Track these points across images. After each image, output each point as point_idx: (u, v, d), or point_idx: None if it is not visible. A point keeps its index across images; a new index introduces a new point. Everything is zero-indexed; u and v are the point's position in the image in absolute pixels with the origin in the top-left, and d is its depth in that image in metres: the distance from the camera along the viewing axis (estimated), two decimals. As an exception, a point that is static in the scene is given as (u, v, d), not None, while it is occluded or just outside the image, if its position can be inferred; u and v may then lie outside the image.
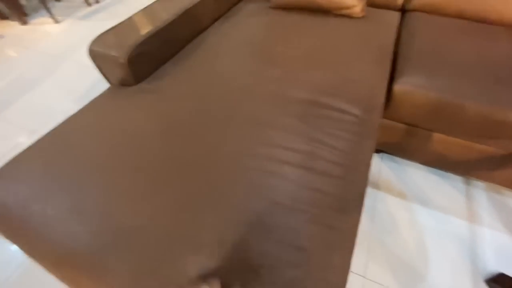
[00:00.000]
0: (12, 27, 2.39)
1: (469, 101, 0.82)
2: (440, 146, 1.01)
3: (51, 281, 0.91)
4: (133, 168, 0.66)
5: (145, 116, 0.79)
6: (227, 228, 0.54)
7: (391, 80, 0.93)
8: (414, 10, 1.26)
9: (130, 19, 0.99)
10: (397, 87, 0.89)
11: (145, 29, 0.93)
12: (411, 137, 1.04)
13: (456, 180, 1.15)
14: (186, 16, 1.06)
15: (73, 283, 0.53)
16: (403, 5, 1.27)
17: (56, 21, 2.39)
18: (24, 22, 2.41)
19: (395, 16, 1.21)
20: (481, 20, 1.15)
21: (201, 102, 0.83)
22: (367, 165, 0.67)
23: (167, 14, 1.01)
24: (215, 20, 1.24)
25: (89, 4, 2.61)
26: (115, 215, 0.57)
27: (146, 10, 1.04)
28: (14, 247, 1.01)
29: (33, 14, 2.54)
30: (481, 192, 1.11)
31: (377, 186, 1.13)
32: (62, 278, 0.54)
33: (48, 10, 2.32)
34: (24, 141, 1.40)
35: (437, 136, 0.98)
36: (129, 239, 0.54)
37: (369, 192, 1.11)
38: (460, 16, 1.18)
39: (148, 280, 0.48)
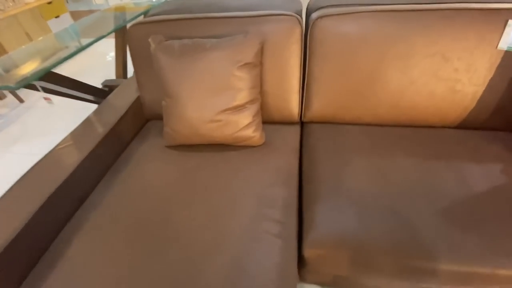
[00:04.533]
0: None
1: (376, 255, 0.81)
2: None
3: None
4: None
5: None
6: None
7: (300, 241, 0.89)
8: (310, 122, 1.30)
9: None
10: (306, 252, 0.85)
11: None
12: None
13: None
14: (65, 187, 0.88)
15: None
16: (300, 118, 1.30)
17: None
18: None
19: (296, 132, 1.22)
20: (376, 124, 1.21)
21: None
22: None
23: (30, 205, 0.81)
24: (105, 173, 1.08)
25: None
26: None
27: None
28: None
29: None
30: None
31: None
32: None
33: None
34: None
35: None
36: None
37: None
38: (356, 122, 1.23)
39: None
